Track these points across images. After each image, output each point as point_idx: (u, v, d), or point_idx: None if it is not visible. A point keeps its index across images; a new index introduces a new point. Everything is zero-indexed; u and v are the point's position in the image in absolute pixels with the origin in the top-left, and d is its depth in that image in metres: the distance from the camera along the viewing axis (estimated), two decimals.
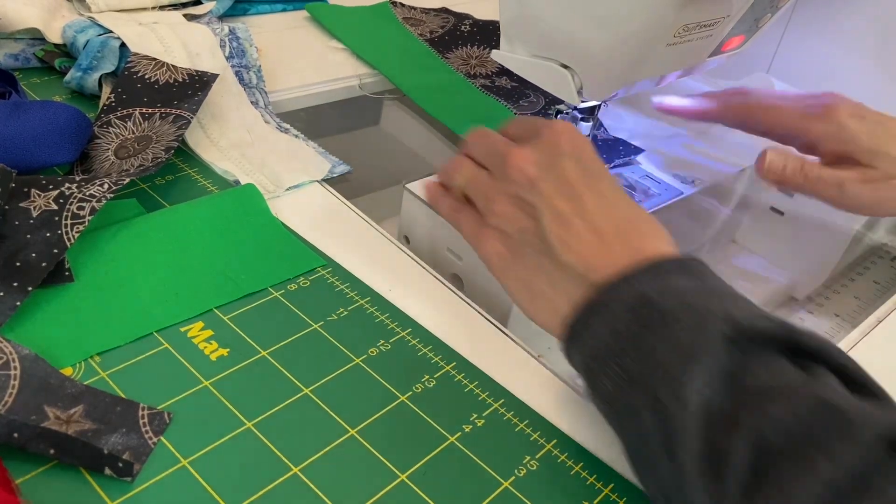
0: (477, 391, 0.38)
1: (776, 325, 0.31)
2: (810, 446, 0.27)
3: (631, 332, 0.32)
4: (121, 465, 0.30)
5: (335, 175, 0.52)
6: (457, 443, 0.35)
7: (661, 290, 0.33)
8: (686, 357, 0.30)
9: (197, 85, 0.52)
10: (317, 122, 0.63)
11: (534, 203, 0.39)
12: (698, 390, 0.29)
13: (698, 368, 0.30)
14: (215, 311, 0.39)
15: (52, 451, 0.30)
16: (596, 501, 0.33)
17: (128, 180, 0.43)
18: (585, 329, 0.34)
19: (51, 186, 0.40)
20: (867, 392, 0.30)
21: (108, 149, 0.48)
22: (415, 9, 0.79)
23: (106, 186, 0.41)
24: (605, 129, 0.63)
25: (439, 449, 0.34)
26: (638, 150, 0.61)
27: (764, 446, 0.27)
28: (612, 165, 0.60)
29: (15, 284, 0.36)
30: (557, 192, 0.38)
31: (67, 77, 0.55)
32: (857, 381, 0.30)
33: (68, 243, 0.38)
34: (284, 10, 0.75)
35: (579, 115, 0.56)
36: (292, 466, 0.32)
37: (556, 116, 0.57)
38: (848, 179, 0.51)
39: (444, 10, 0.78)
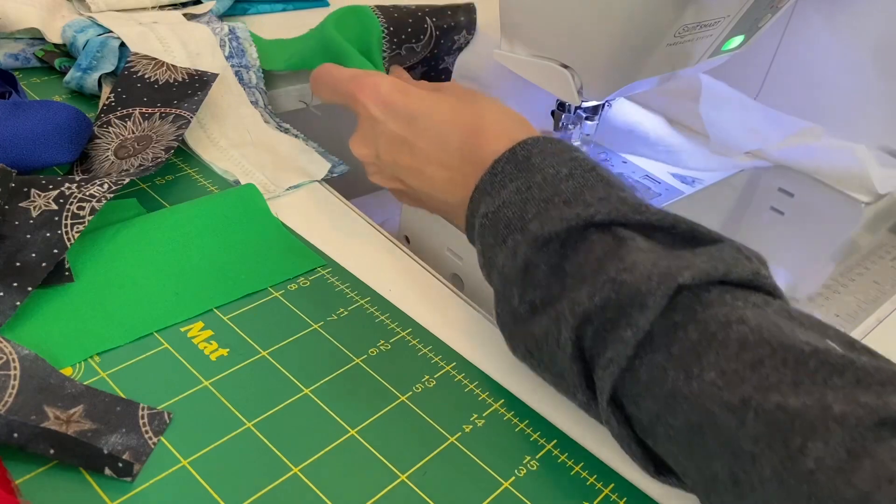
0: (477, 391, 0.38)
1: (569, 219, 0.34)
2: (618, 317, 0.31)
3: (486, 256, 0.38)
4: (121, 465, 0.30)
5: (335, 175, 0.52)
6: (457, 443, 0.35)
7: (492, 213, 0.37)
8: (506, 279, 0.36)
9: (197, 84, 0.52)
10: (317, 122, 0.63)
11: (391, 173, 0.44)
12: (523, 301, 0.35)
13: (514, 288, 0.35)
14: (215, 311, 0.39)
15: (52, 451, 0.30)
16: (596, 501, 0.33)
17: (128, 180, 0.43)
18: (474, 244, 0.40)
19: (51, 186, 0.40)
20: (676, 233, 0.34)
21: (108, 149, 0.48)
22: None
23: (106, 186, 0.41)
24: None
25: (439, 449, 0.34)
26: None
27: (580, 328, 0.32)
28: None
29: (15, 284, 0.36)
30: (396, 154, 0.42)
31: (67, 77, 0.55)
32: (662, 227, 0.34)
33: (68, 243, 0.38)
34: (284, 9, 0.75)
35: (584, 115, 0.56)
36: (292, 466, 0.32)
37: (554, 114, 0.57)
38: None
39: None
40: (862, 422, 0.25)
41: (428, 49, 0.52)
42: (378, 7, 0.50)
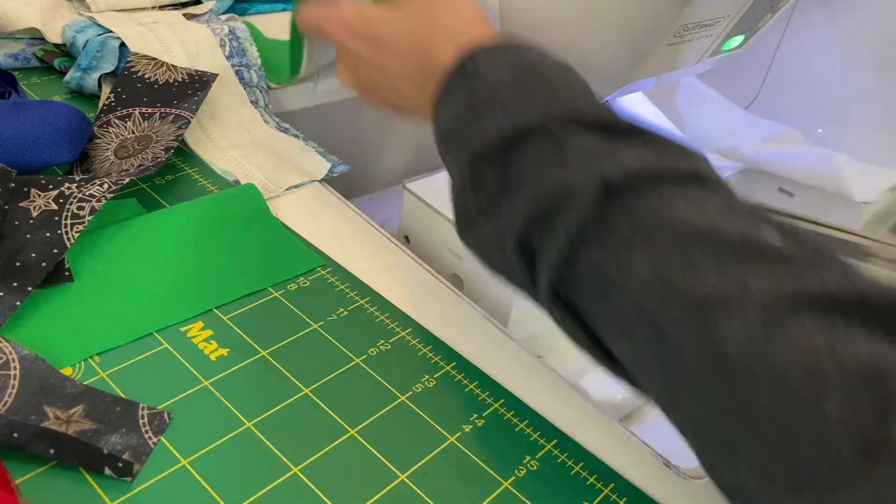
0: (477, 391, 0.38)
1: (504, 128, 0.34)
2: (553, 218, 0.31)
3: (448, 171, 0.38)
4: (121, 465, 0.30)
5: (335, 175, 0.52)
6: (457, 443, 0.35)
7: (441, 131, 0.38)
8: (458, 193, 0.36)
9: (197, 84, 0.52)
10: (317, 121, 0.63)
11: (379, 96, 0.45)
12: (478, 208, 0.35)
13: (467, 200, 0.35)
14: (215, 311, 0.39)
15: (52, 451, 0.30)
16: (596, 501, 0.33)
17: (128, 180, 0.43)
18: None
19: (51, 186, 0.40)
20: (617, 130, 0.33)
21: (108, 149, 0.48)
22: None
23: (106, 186, 0.41)
24: None
25: (439, 449, 0.34)
26: None
27: (525, 235, 0.32)
28: None
29: (15, 284, 0.36)
30: (376, 78, 0.44)
31: (67, 77, 0.55)
32: (601, 125, 0.33)
33: (68, 243, 0.38)
34: (284, 9, 0.75)
35: None
36: (292, 466, 0.32)
37: None
38: None
39: None
40: (779, 300, 0.25)
41: None
42: None
